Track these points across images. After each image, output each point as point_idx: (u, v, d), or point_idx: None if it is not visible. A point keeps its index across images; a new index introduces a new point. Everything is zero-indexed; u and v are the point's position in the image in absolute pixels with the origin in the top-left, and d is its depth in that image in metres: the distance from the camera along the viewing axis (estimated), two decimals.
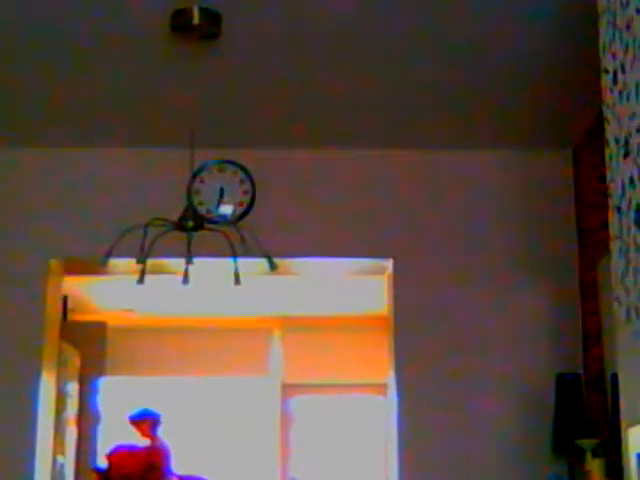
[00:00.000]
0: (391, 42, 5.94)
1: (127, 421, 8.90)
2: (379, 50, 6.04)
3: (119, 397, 11.11)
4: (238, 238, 6.43)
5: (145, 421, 8.78)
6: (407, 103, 6.77)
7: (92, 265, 7.24)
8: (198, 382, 12.57)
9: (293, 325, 12.49)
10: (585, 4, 5.10)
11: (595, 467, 6.04)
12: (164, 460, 8.00)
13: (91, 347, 10.98)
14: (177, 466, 8.52)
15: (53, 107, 6.83)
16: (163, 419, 8.85)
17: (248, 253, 6.65)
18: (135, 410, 8.98)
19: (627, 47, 4.09)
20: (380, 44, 5.96)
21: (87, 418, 10.84)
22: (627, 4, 4.13)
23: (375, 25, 5.74)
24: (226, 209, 7.22)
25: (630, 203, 4.06)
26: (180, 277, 6.42)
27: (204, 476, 8.81)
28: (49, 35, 5.84)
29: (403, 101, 6.74)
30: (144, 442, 8.50)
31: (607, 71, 4.39)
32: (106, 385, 11.28)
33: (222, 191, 7.24)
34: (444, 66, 6.25)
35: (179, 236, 6.31)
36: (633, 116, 4.00)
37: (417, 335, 7.28)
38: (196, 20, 5.58)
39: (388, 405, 7.60)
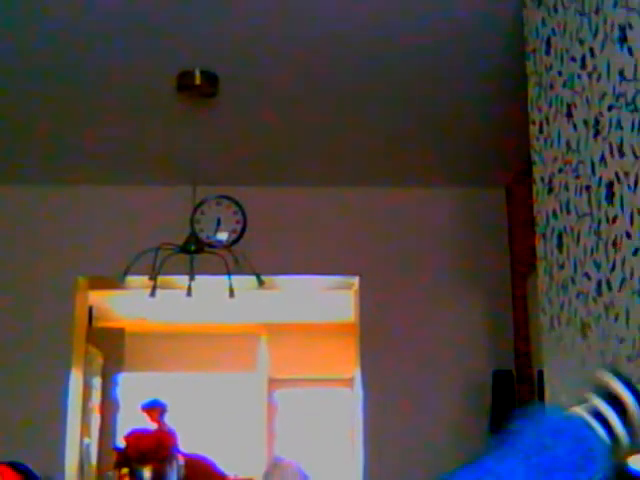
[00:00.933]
0: (360, 98, 6.00)
1: (140, 409, 8.93)
2: (347, 105, 6.09)
3: (135, 389, 11.05)
4: (232, 259, 6.49)
5: (154, 409, 8.82)
6: (371, 151, 6.80)
7: (112, 281, 7.17)
8: (198, 377, 12.48)
9: (277, 330, 12.43)
10: (517, 67, 5.14)
11: None
12: (171, 441, 8.06)
13: (112, 348, 10.96)
14: (181, 446, 8.56)
15: (80, 151, 6.83)
16: (169, 408, 8.90)
17: (240, 271, 6.72)
18: (146, 400, 9.00)
19: (550, 103, 4.14)
20: (352, 99, 6.01)
21: (108, 406, 10.83)
22: (550, 68, 4.23)
23: (349, 83, 5.81)
24: (222, 235, 7.32)
25: (553, 231, 4.10)
26: (184, 291, 6.41)
27: (204, 454, 8.85)
28: (71, 84, 5.86)
29: (368, 149, 6.77)
30: (154, 426, 8.54)
31: (534, 122, 4.44)
32: (124, 379, 11.31)
33: (219, 221, 7.34)
34: (403, 120, 6.31)
35: (183, 258, 6.21)
36: (555, 160, 4.04)
37: (378, 339, 7.32)
38: (197, 81, 5.60)
39: (355, 396, 7.65)
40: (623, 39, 3.19)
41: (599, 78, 3.47)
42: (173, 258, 6.28)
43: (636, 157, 3.05)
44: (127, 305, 11.05)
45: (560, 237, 4.02)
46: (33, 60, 5.47)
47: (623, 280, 3.19)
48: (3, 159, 6.99)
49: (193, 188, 6.55)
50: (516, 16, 4.85)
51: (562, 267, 3.99)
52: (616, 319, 3.26)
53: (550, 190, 4.19)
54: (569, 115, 3.87)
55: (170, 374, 12.34)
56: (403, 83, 5.82)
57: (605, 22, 3.40)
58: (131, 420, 9.35)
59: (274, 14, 4.97)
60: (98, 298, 9.78)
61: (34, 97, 5.97)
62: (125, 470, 7.65)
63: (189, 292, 6.38)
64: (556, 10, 4.07)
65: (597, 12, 3.50)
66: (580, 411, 1.83)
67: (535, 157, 4.47)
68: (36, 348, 7.18)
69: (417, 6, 4.88)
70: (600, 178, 3.45)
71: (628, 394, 1.84)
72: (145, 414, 8.86)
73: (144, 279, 6.51)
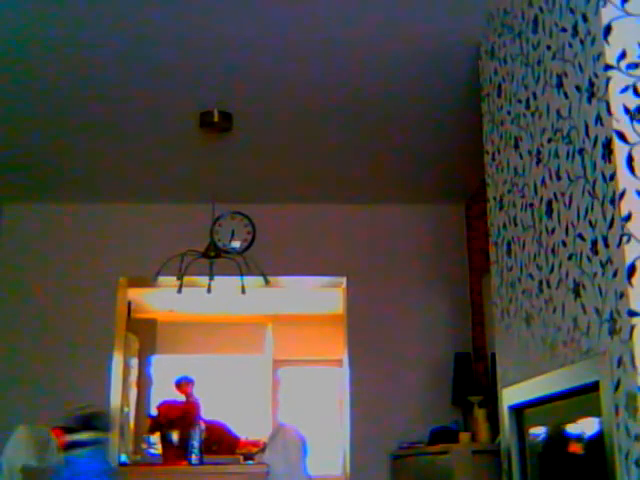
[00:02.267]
0: (346, 133, 5.98)
1: (173, 384, 8.92)
2: (336, 139, 6.08)
3: (165, 369, 11.07)
4: (243, 263, 6.48)
5: (185, 384, 8.81)
6: (356, 176, 6.79)
7: (147, 281, 7.15)
8: (216, 358, 12.45)
9: (280, 320, 12.39)
10: (474, 106, 5.05)
11: (480, 415, 6.03)
12: (195, 410, 8.03)
13: (146, 335, 10.97)
14: (203, 414, 8.53)
15: (121, 176, 6.83)
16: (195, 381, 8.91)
17: (250, 273, 6.71)
18: (178, 376, 9.00)
19: (501, 136, 4.15)
20: (339, 134, 6.00)
21: (143, 382, 10.83)
22: (501, 108, 4.20)
23: (336, 120, 5.80)
24: (236, 244, 7.31)
25: (503, 240, 4.10)
26: (205, 289, 6.46)
27: (221, 420, 8.84)
28: (113, 124, 5.88)
29: (354, 175, 6.76)
30: (181, 398, 8.52)
31: (487, 152, 4.45)
32: (156, 360, 11.33)
33: (233, 232, 7.33)
34: (383, 151, 6.31)
35: (204, 262, 6.22)
36: (505, 182, 4.04)
37: (362, 327, 7.30)
38: (216, 119, 5.62)
39: (343, 374, 7.64)
40: (560, 85, 3.19)
41: (540, 116, 3.47)
42: (196, 262, 6.28)
43: (570, 180, 3.04)
44: (159, 300, 11.03)
45: (509, 245, 4.02)
46: (83, 106, 5.47)
47: (560, 280, 3.19)
48: (65, 183, 6.99)
49: (212, 205, 6.57)
50: (473, 66, 4.86)
51: (510, 269, 3.99)
52: (554, 311, 3.26)
53: (501, 207, 4.18)
54: (516, 146, 3.86)
55: (194, 356, 12.31)
56: (382, 123, 5.82)
57: (545, 71, 3.40)
58: (161, 393, 9.35)
59: (278, 63, 4.97)
60: (136, 294, 9.75)
61: (89, 139, 5.98)
62: (157, 433, 7.63)
63: (209, 289, 6.40)
64: (506, 61, 4.07)
65: (539, 63, 3.50)
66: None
67: (488, 180, 4.46)
68: (86, 334, 7.19)
69: (389, 60, 4.88)
70: (541, 197, 3.44)
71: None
72: (176, 389, 8.85)
73: (172, 279, 6.51)
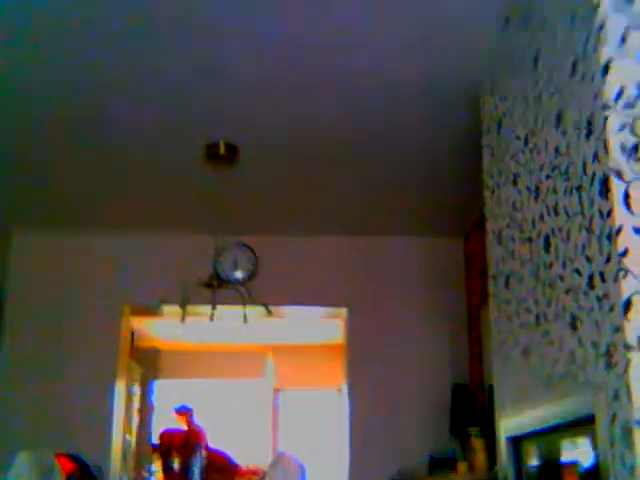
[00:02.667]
0: (347, 169, 6.04)
1: (173, 412, 8.92)
2: (337, 174, 6.12)
3: (167, 396, 11.07)
4: (246, 293, 6.50)
5: (183, 413, 8.82)
6: (357, 209, 6.84)
7: (150, 310, 7.22)
8: (218, 385, 12.53)
9: (280, 349, 12.41)
10: (473, 143, 5.08)
11: (478, 445, 6.04)
12: (198, 438, 8.03)
13: (149, 363, 10.99)
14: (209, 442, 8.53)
15: (126, 208, 6.88)
16: (195, 410, 8.90)
17: (252, 303, 6.73)
18: (177, 405, 9.00)
19: (500, 172, 4.16)
20: (340, 169, 6.05)
21: (145, 409, 10.84)
22: (500, 144, 4.24)
23: (338, 155, 5.84)
24: (238, 274, 7.32)
25: (501, 273, 4.09)
26: (208, 318, 6.41)
27: (221, 449, 8.83)
28: (121, 159, 5.94)
29: (355, 208, 6.82)
30: (184, 426, 8.52)
31: (487, 187, 4.45)
32: (158, 388, 11.32)
33: (236, 262, 7.35)
34: (382, 186, 6.34)
35: (207, 291, 6.25)
36: (504, 217, 4.04)
37: (362, 357, 7.34)
38: (222, 151, 5.63)
39: (342, 402, 7.64)
40: (558, 122, 3.21)
41: (539, 153, 3.48)
42: (199, 291, 6.30)
43: (568, 216, 3.05)
44: (162, 329, 11.03)
45: (507, 278, 4.02)
46: (90, 139, 5.50)
47: (557, 314, 3.19)
48: (72, 214, 7.04)
49: (216, 236, 6.60)
50: (474, 102, 4.88)
51: (508, 302, 3.99)
52: (551, 344, 3.26)
53: (500, 241, 4.19)
54: (515, 182, 3.88)
55: (195, 381, 12.30)
56: (384, 158, 5.85)
57: (544, 109, 3.42)
58: (163, 420, 9.35)
59: (284, 96, 4.99)
60: (139, 323, 9.77)
61: (96, 171, 6.01)
62: (159, 462, 7.63)
63: (212, 318, 6.38)
64: (506, 98, 4.10)
65: (538, 100, 3.52)
66: None
67: (488, 214, 4.47)
68: (89, 361, 7.21)
69: (392, 97, 4.91)
70: (539, 232, 3.45)
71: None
72: (176, 416, 8.85)
73: (176, 308, 6.52)
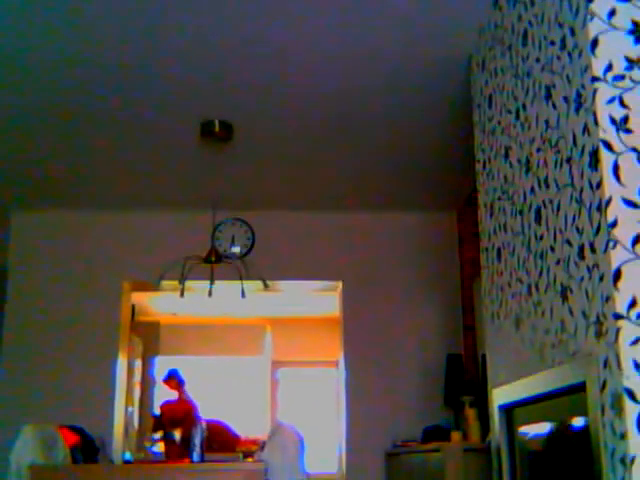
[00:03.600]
0: (345, 145, 6.00)
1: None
2: (333, 150, 6.08)
3: (167, 369, 11.09)
4: (243, 268, 6.51)
5: (172, 379, 8.81)
6: (353, 185, 6.79)
7: (150, 285, 7.18)
8: (217, 359, 12.46)
9: (278, 323, 12.41)
10: (466, 117, 5.17)
11: (471, 414, 6.04)
12: (195, 410, 8.05)
13: (149, 337, 10.99)
14: (203, 413, 8.53)
15: (126, 186, 6.83)
16: (195, 383, 8.89)
17: (249, 277, 6.74)
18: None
19: (491, 146, 4.15)
20: (338, 145, 6.01)
21: (147, 382, 10.85)
22: (491, 118, 4.22)
23: (335, 131, 5.82)
24: (236, 249, 7.31)
25: (493, 246, 4.10)
26: (206, 293, 6.44)
27: (221, 419, 8.84)
28: (118, 137, 5.89)
29: (351, 184, 6.78)
30: (175, 395, 8.53)
31: (479, 161, 4.44)
32: (159, 362, 11.32)
33: (233, 238, 7.35)
34: (377, 162, 6.30)
35: (206, 266, 6.24)
36: (495, 190, 4.04)
37: (357, 329, 7.31)
38: (217, 129, 5.63)
39: (339, 374, 7.64)
40: (548, 96, 3.19)
41: (529, 127, 3.47)
42: (198, 267, 6.32)
43: (558, 188, 3.04)
44: (161, 303, 11.04)
45: (499, 250, 4.02)
46: (89, 117, 5.48)
47: (548, 284, 3.18)
48: (71, 192, 6.98)
49: (213, 212, 6.62)
50: (465, 78, 4.88)
51: (500, 274, 3.98)
52: (542, 314, 3.25)
53: (491, 214, 4.18)
54: (506, 156, 3.87)
55: (196, 357, 12.30)
56: (377, 134, 5.82)
57: (534, 83, 3.40)
58: (164, 393, 9.35)
59: (278, 75, 4.98)
60: (139, 298, 9.78)
61: (94, 149, 5.98)
62: (160, 432, 7.64)
63: (210, 293, 6.39)
64: (496, 74, 4.08)
65: (528, 75, 3.50)
66: None
67: (479, 188, 4.46)
68: (92, 336, 7.21)
69: (384, 73, 4.89)
70: (530, 205, 3.44)
71: None
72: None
73: (175, 283, 6.54)
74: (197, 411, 8.50)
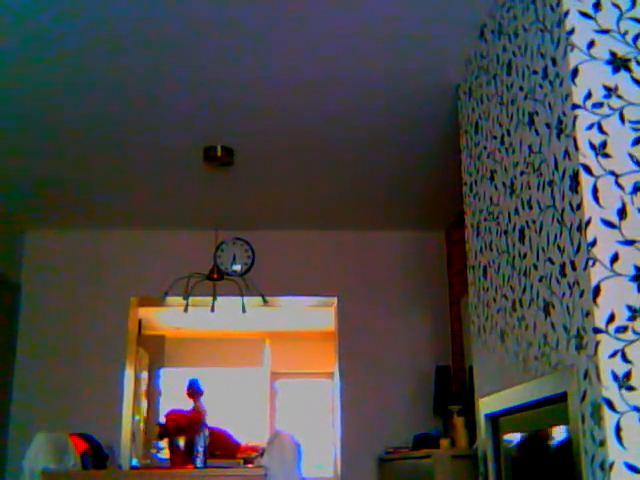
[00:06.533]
0: (338, 167, 5.99)
1: (185, 388, 8.88)
2: (329, 173, 6.09)
3: (172, 380, 11.04)
4: (244, 285, 6.51)
5: (194, 391, 8.78)
6: (347, 206, 6.80)
7: (156, 300, 7.19)
8: (219, 370, 12.45)
9: (277, 336, 12.38)
10: (453, 142, 5.14)
11: (459, 422, 6.03)
12: (201, 418, 8.01)
13: (155, 350, 10.97)
14: (207, 421, 8.49)
15: (133, 207, 6.83)
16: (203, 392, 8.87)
17: (250, 293, 6.73)
18: (189, 382, 8.97)
19: (478, 170, 4.15)
20: (332, 168, 6.01)
21: (152, 393, 10.83)
22: (478, 143, 4.23)
23: (330, 154, 5.80)
24: (237, 267, 7.31)
25: (480, 264, 4.09)
26: (209, 308, 6.41)
27: (223, 427, 8.79)
28: (126, 161, 5.89)
29: (346, 205, 6.77)
30: (190, 404, 8.49)
31: (466, 184, 4.44)
32: (164, 373, 11.31)
33: (234, 256, 7.35)
34: (369, 184, 6.30)
35: (208, 283, 6.27)
36: (481, 211, 4.04)
37: (351, 342, 7.30)
38: (219, 154, 5.63)
39: (334, 385, 7.63)
40: (531, 123, 3.20)
41: (514, 151, 3.47)
42: (201, 284, 6.32)
43: (541, 209, 3.04)
44: (167, 318, 11.02)
45: (485, 268, 4.01)
46: (99, 141, 5.48)
47: (531, 300, 3.18)
48: (82, 211, 6.98)
49: (215, 232, 6.64)
50: (452, 104, 4.88)
51: (486, 290, 3.98)
52: (526, 328, 3.25)
53: (478, 233, 4.18)
54: (492, 179, 3.87)
55: (199, 369, 12.27)
56: (370, 158, 5.82)
57: (518, 110, 3.41)
58: (169, 403, 9.31)
59: (276, 102, 4.98)
60: (146, 313, 9.76)
61: (104, 171, 5.98)
62: (165, 439, 7.60)
63: (213, 309, 6.39)
64: (482, 101, 4.08)
65: (512, 103, 3.51)
66: None
67: (466, 209, 4.45)
68: (101, 349, 7.20)
69: (377, 100, 4.90)
70: (514, 225, 3.44)
71: None
72: (187, 392, 8.81)
73: (179, 299, 6.54)
74: (204, 420, 8.46)
